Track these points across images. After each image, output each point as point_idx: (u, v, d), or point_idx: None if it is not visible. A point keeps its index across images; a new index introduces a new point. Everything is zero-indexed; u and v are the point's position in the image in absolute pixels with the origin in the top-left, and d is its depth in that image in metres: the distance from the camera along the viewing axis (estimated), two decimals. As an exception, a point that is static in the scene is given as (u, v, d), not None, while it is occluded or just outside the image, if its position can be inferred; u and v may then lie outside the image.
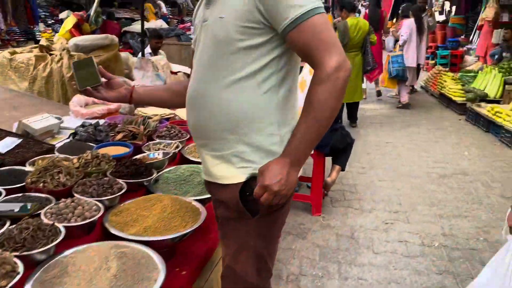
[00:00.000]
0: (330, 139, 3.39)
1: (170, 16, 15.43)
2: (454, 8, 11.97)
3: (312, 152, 3.34)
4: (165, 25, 9.27)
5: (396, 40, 7.93)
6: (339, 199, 3.85)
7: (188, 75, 5.14)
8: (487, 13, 10.01)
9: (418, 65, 7.56)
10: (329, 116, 1.20)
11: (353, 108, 6.11)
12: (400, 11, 9.63)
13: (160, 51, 6.26)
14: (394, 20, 17.94)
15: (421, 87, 9.22)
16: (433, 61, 10.99)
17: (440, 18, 12.62)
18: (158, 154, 2.23)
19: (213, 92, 1.31)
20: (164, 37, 8.20)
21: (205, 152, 1.39)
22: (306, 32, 1.17)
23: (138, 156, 2.16)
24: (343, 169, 3.65)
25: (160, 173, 2.05)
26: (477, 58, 10.77)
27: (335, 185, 4.06)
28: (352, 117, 6.16)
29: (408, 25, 7.07)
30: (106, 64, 4.13)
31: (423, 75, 10.04)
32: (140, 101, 1.65)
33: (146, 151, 2.27)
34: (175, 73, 5.00)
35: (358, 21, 5.65)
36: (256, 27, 1.23)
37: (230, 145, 1.30)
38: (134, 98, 1.60)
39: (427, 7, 7.75)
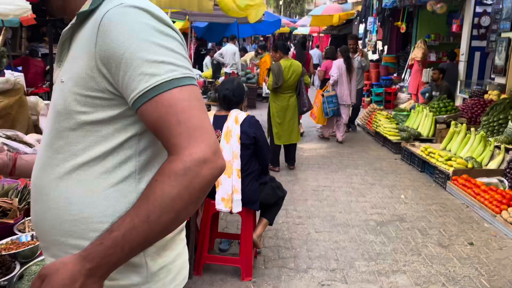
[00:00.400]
0: (259, 194, 3.08)
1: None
2: (386, 47, 12.49)
3: (240, 209, 3.02)
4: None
5: (322, 80, 7.99)
6: (273, 257, 3.50)
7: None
8: (416, 53, 10.49)
9: (354, 103, 7.81)
10: (170, 222, 0.85)
11: (290, 150, 5.90)
12: (324, 53, 9.91)
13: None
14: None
15: (358, 124, 9.31)
16: (369, 99, 11.26)
17: (373, 57, 13.12)
18: (33, 237, 1.77)
19: (48, 182, 0.95)
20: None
21: (47, 258, 1.01)
22: (159, 109, 0.85)
23: (3, 241, 1.69)
24: (270, 224, 3.33)
25: (28, 265, 1.60)
26: (409, 95, 11.19)
27: (270, 240, 3.73)
28: (290, 159, 5.95)
29: (337, 66, 7.26)
30: (6, 111, 3.60)
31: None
32: (25, 173, 1.30)
33: (18, 233, 1.81)
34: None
35: (291, 63, 5.52)
36: (102, 97, 0.90)
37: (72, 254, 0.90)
38: (17, 168, 1.27)
39: (358, 48, 7.86)
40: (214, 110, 3.19)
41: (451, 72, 9.05)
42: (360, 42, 13.99)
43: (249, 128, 2.97)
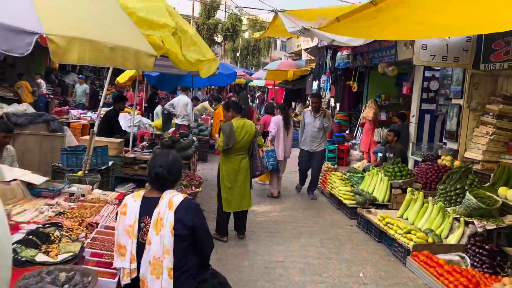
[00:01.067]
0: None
1: (51, 96, 13.96)
2: (338, 105, 12.55)
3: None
4: (31, 109, 7.92)
5: (262, 134, 7.74)
6: None
7: (29, 184, 3.77)
8: (367, 112, 10.51)
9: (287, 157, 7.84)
10: None
11: (240, 218, 5.32)
12: (264, 108, 10.10)
13: (8, 146, 5.00)
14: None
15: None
16: (323, 155, 11.05)
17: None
18: None
19: None
20: (23, 127, 6.91)
21: None
22: None
23: None
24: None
25: None
26: (361, 153, 11.11)
27: None
28: (240, 228, 5.35)
29: (275, 122, 7.42)
30: None
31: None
32: None
33: None
34: (8, 182, 3.79)
35: (244, 123, 5.07)
36: None
37: None
38: None
39: (321, 108, 7.55)
40: (143, 190, 2.58)
41: (402, 133, 9.05)
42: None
43: (186, 215, 2.38)
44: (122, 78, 13.42)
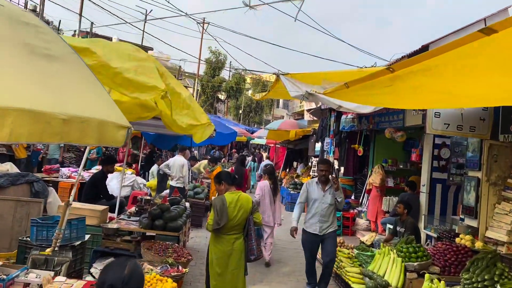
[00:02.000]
0: None
1: (46, 152, 13.43)
2: (342, 168, 11.93)
3: None
4: (14, 169, 7.32)
5: None
6: None
7: None
8: (374, 178, 9.85)
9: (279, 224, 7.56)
10: None
11: (232, 308, 4.49)
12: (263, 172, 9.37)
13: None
14: (287, 170, 18.09)
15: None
16: (326, 222, 10.24)
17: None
18: None
19: None
20: (3, 188, 6.27)
21: None
22: None
23: None
24: None
25: None
26: (368, 221, 10.31)
27: None
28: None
29: (261, 187, 7.25)
30: None
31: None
32: None
33: None
34: None
35: (239, 197, 4.41)
36: None
37: None
38: None
39: (332, 177, 6.16)
40: None
41: (413, 203, 8.34)
42: (315, 160, 13.53)
43: None
44: (119, 135, 12.96)
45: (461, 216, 6.82)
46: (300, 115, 18.17)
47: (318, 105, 12.04)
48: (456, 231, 6.64)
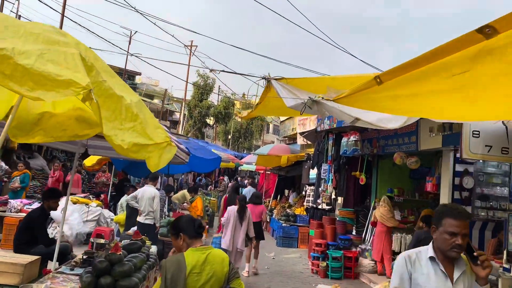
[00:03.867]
0: None
1: (5, 180, 11.66)
2: (341, 199, 10.38)
3: None
4: None
5: None
6: None
7: None
8: (380, 212, 8.30)
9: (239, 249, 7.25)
10: None
11: None
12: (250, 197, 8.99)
13: None
14: (278, 199, 16.46)
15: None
16: (324, 264, 8.59)
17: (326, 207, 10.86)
18: None
19: None
20: None
21: None
22: None
23: None
24: None
25: None
26: (373, 262, 8.69)
27: None
28: None
29: (229, 211, 7.39)
30: None
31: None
32: None
33: None
34: None
35: (207, 256, 2.77)
36: None
37: None
38: None
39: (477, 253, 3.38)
40: None
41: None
42: (309, 189, 11.97)
43: None
44: (89, 161, 11.33)
45: (504, 265, 5.26)
46: (292, 139, 16.70)
47: (313, 128, 10.59)
48: (500, 286, 5.08)
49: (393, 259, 7.89)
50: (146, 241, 6.00)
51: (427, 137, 6.89)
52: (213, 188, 19.99)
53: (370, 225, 8.93)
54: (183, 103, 29.34)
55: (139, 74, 47.91)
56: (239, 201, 7.43)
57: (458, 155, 6.82)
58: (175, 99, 42.11)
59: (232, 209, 7.34)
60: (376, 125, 3.35)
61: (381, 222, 8.06)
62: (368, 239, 9.28)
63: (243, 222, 7.25)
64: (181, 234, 2.85)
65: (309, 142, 12.37)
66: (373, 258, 8.61)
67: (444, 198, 6.92)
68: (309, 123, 10.81)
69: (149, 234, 7.40)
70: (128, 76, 40.59)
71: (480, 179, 6.99)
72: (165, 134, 3.28)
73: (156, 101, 36.49)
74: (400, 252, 7.70)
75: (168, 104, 40.18)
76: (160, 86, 42.84)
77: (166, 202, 10.52)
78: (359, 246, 9.13)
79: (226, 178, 21.98)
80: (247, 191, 12.38)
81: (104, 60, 3.15)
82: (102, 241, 5.62)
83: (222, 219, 7.48)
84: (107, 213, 9.43)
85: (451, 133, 6.19)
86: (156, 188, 9.32)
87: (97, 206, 9.17)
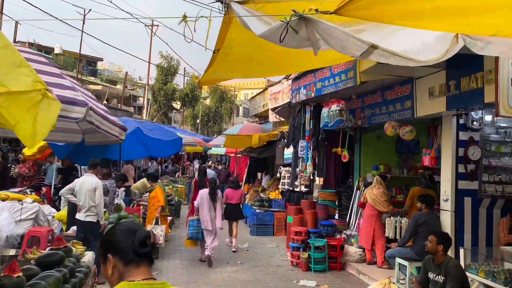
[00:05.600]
0: None
1: None
2: (320, 180, 9.14)
3: None
4: None
5: None
6: None
7: None
8: (373, 194, 7.06)
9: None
10: None
11: None
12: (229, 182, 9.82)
13: None
14: (250, 183, 15.12)
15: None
16: (306, 255, 7.32)
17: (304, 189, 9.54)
18: None
19: None
20: None
21: None
22: None
23: None
24: None
25: None
26: (361, 249, 7.52)
27: None
28: None
29: (200, 195, 7.55)
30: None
31: None
32: None
33: None
34: None
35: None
36: None
37: None
38: None
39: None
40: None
41: (432, 226, 5.66)
42: (284, 170, 10.67)
43: None
44: (29, 150, 9.53)
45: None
46: (263, 118, 15.32)
47: (286, 101, 9.22)
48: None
49: (387, 247, 6.72)
50: (77, 248, 4.50)
51: (425, 100, 5.66)
52: (180, 175, 18.41)
53: (357, 206, 7.72)
54: (146, 87, 27.30)
55: (101, 60, 45.02)
56: (209, 184, 7.59)
57: (462, 121, 5.68)
58: (139, 84, 39.71)
59: (204, 192, 7.51)
60: (405, 56, 1.98)
61: (372, 205, 6.85)
62: (353, 224, 8.10)
63: (216, 203, 7.49)
64: (109, 255, 1.42)
65: (282, 119, 11.02)
66: (360, 245, 7.43)
67: (447, 172, 5.76)
68: (282, 96, 9.42)
69: (92, 234, 5.88)
70: (88, 62, 37.87)
71: (486, 149, 5.86)
72: (35, 77, 1.76)
73: (119, 86, 34.12)
74: (395, 238, 6.53)
75: (132, 89, 37.79)
76: (124, 72, 40.30)
77: (119, 194, 8.96)
78: (344, 232, 7.92)
79: (196, 162, 20.39)
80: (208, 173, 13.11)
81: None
82: (12, 252, 4.07)
83: (194, 202, 7.71)
84: (47, 209, 7.77)
85: (458, 92, 4.97)
86: (107, 177, 7.78)
87: (33, 202, 7.49)
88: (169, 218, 9.58)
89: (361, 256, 7.45)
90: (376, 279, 6.47)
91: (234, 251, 8.42)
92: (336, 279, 6.93)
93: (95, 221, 5.80)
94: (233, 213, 8.57)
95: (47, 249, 4.25)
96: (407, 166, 8.50)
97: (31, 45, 30.73)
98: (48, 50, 31.96)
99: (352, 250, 7.52)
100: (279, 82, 9.82)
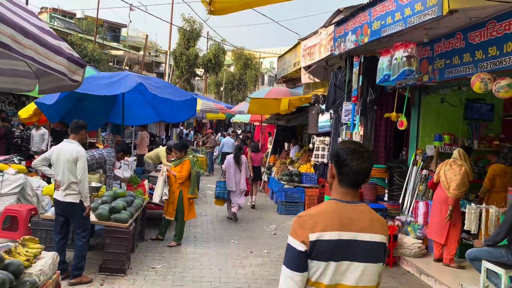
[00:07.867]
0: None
1: None
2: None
3: None
4: None
5: None
6: None
7: None
8: (451, 173, 5.29)
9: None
10: None
11: None
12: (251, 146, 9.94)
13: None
14: (276, 154, 13.53)
15: None
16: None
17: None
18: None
19: None
20: None
21: None
22: None
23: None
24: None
25: None
26: (421, 242, 5.85)
27: None
28: None
29: (227, 159, 8.17)
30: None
31: None
32: None
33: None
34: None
35: None
36: None
37: None
38: None
39: None
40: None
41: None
42: (318, 140, 8.93)
43: None
44: (25, 112, 8.17)
45: None
46: (292, 82, 13.44)
47: (325, 56, 7.34)
48: None
49: (464, 243, 5.02)
50: (29, 248, 3.01)
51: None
52: (201, 144, 16.92)
53: (427, 187, 5.99)
54: (168, 51, 25.63)
55: (125, 26, 43.46)
56: (234, 150, 8.57)
57: None
58: (163, 51, 38.08)
59: (230, 158, 8.21)
60: None
61: (444, 189, 5.10)
62: (408, 207, 6.40)
63: (241, 167, 8.09)
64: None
65: (317, 80, 9.17)
66: (427, 236, 5.75)
67: None
68: (319, 50, 7.55)
69: (74, 219, 4.42)
70: (112, 28, 36.38)
71: None
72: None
73: (142, 53, 32.64)
74: (476, 234, 4.79)
75: (155, 56, 36.24)
76: (149, 40, 38.76)
77: (130, 165, 7.52)
78: (397, 218, 6.24)
79: (220, 134, 18.81)
80: (225, 141, 14.42)
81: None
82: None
83: (222, 166, 8.49)
84: (36, 182, 6.43)
85: None
86: (113, 145, 6.29)
87: (17, 172, 6.14)
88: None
89: (420, 249, 5.80)
90: (445, 284, 4.83)
91: (252, 206, 9.38)
92: (389, 279, 5.32)
93: (77, 202, 4.31)
94: (255, 175, 9.36)
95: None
96: (478, 137, 6.65)
97: (55, 10, 29.63)
98: (71, 16, 31.00)
99: (409, 242, 5.86)
100: (316, 32, 7.92)
